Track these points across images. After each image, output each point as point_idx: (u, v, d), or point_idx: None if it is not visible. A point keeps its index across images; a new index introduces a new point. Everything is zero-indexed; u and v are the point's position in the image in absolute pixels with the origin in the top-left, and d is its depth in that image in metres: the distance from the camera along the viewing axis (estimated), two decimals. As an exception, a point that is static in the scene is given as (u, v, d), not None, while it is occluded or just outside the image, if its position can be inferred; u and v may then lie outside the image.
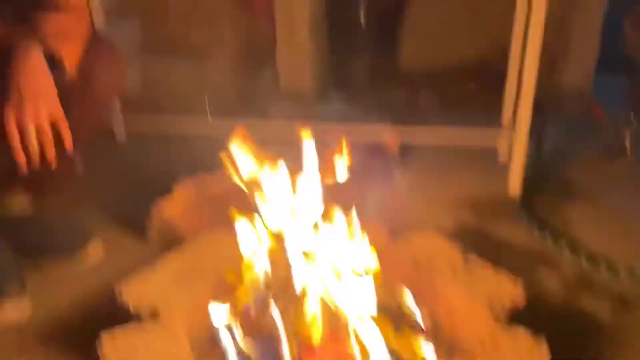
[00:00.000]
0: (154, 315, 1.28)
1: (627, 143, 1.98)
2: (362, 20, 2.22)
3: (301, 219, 1.25)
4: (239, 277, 1.27)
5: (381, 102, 2.13)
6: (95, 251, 1.64)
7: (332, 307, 1.19)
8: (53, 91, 1.31)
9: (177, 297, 1.33)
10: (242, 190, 1.28)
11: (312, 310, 1.18)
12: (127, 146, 2.13)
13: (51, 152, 1.25)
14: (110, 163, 2.03)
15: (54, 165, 1.26)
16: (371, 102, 2.13)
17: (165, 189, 1.72)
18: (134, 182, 1.89)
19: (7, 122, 1.24)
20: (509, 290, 1.30)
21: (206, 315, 1.26)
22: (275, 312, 1.20)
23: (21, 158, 1.23)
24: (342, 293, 1.18)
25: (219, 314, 1.22)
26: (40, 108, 1.27)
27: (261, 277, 1.27)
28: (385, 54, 2.32)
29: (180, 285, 1.36)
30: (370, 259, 1.21)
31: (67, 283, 1.55)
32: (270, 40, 2.23)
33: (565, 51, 2.23)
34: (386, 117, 1.96)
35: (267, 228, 1.27)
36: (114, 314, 1.33)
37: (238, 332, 1.21)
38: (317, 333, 1.17)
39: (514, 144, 1.78)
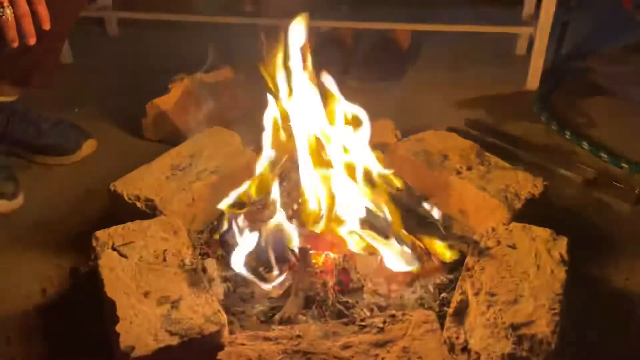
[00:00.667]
0: (152, 208, 1.28)
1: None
2: None
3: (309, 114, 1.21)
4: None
5: None
6: (89, 149, 1.62)
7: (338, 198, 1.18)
8: None
9: (175, 192, 1.32)
10: (236, 87, 1.34)
11: (317, 199, 1.19)
12: (119, 38, 2.12)
13: (29, 26, 1.18)
14: (103, 56, 2.02)
15: (32, 40, 1.20)
16: None
17: (159, 83, 1.67)
18: (127, 76, 1.87)
19: None
20: (525, 186, 1.28)
21: (203, 209, 1.30)
22: (278, 201, 1.20)
23: None
24: (349, 185, 1.17)
25: (224, 202, 1.23)
26: None
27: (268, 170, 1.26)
28: None
29: (179, 180, 1.35)
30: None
31: (60, 182, 1.55)
32: None
33: None
34: (395, 10, 1.91)
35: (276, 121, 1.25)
36: (111, 210, 1.34)
37: (242, 220, 1.21)
38: (322, 221, 1.18)
39: (536, 35, 1.73)
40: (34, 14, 1.18)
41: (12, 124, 1.56)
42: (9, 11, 1.16)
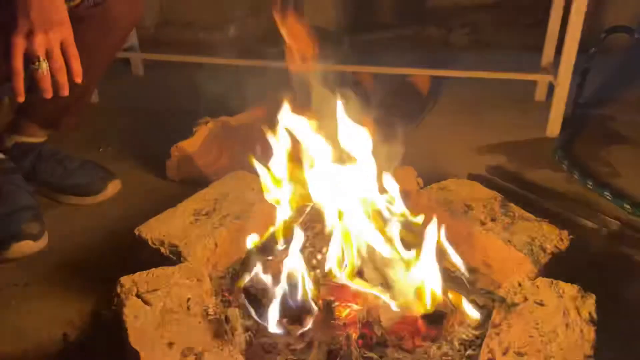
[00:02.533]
0: (176, 254, 1.27)
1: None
2: None
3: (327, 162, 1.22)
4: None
5: (410, 39, 2.10)
6: (114, 189, 1.62)
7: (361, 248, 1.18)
8: (65, 17, 1.25)
9: (199, 237, 1.31)
10: (260, 130, 1.28)
11: (341, 250, 1.18)
12: (144, 78, 2.14)
13: (63, 79, 1.20)
14: (127, 96, 2.04)
15: (65, 92, 1.23)
16: (399, 38, 2.11)
17: (182, 124, 1.69)
18: (151, 116, 1.89)
19: (14, 47, 1.19)
20: (551, 239, 1.26)
21: (226, 255, 1.30)
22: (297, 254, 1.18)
23: (19, 87, 1.19)
24: (371, 234, 1.17)
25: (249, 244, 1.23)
26: (51, 34, 1.21)
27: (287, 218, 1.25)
28: None
29: (203, 226, 1.34)
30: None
31: (86, 220, 1.54)
32: None
33: None
34: (414, 55, 1.96)
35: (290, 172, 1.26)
36: (133, 253, 1.33)
37: (265, 269, 1.19)
38: (347, 273, 1.16)
39: (557, 83, 1.73)
40: (68, 68, 1.20)
41: (39, 165, 1.57)
42: (45, 65, 1.18)
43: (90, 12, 1.38)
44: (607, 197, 1.52)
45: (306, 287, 1.14)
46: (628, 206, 1.48)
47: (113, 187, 1.61)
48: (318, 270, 1.20)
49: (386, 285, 1.15)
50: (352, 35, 2.14)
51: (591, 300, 1.08)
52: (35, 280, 1.37)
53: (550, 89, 1.79)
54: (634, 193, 1.53)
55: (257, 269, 1.20)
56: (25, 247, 1.40)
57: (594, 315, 1.05)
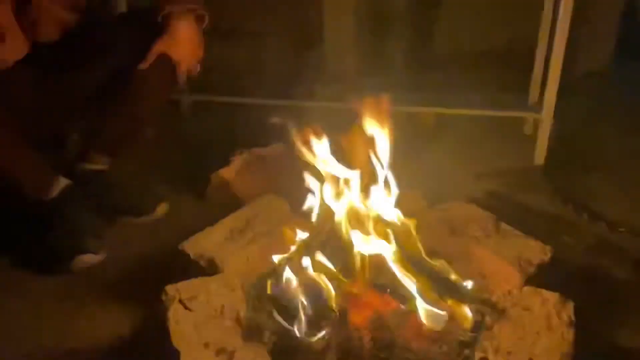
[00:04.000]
0: (213, 267, 1.27)
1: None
2: (401, 7, 2.17)
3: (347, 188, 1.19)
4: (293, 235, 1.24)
5: (417, 81, 2.07)
6: (162, 210, 1.61)
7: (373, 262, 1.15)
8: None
9: (233, 252, 1.30)
10: (291, 159, 1.24)
11: (357, 264, 1.16)
12: (191, 116, 2.13)
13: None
14: (177, 131, 2.03)
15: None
16: (409, 81, 2.08)
17: (222, 156, 1.68)
18: (195, 149, 1.88)
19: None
20: (536, 253, 1.25)
21: (256, 267, 1.27)
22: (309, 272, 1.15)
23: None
24: (383, 249, 1.13)
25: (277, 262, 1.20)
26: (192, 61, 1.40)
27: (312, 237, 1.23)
28: (422, 37, 2.26)
29: (237, 242, 1.34)
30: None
31: (137, 239, 1.54)
32: (319, 27, 2.16)
33: (587, 40, 2.13)
34: (422, 95, 1.93)
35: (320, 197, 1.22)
36: (178, 266, 1.32)
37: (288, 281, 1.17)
38: (360, 283, 1.15)
39: (541, 120, 1.73)
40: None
41: (100, 189, 1.57)
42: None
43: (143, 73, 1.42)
44: (584, 217, 1.52)
45: (325, 296, 1.11)
46: (603, 224, 1.48)
47: (161, 209, 1.60)
48: (335, 281, 1.15)
49: (394, 293, 1.13)
50: (367, 78, 2.15)
51: (570, 306, 1.08)
52: (95, 287, 1.37)
53: (537, 124, 1.79)
54: (609, 213, 1.52)
55: (283, 280, 1.17)
56: (86, 259, 1.41)
57: (572, 319, 1.05)
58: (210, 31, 1.45)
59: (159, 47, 1.37)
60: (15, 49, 1.35)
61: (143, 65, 1.37)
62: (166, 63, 1.39)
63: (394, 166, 1.22)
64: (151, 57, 1.37)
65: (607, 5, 2.15)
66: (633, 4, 2.22)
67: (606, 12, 2.15)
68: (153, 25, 1.37)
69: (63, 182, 1.44)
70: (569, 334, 1.02)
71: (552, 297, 1.10)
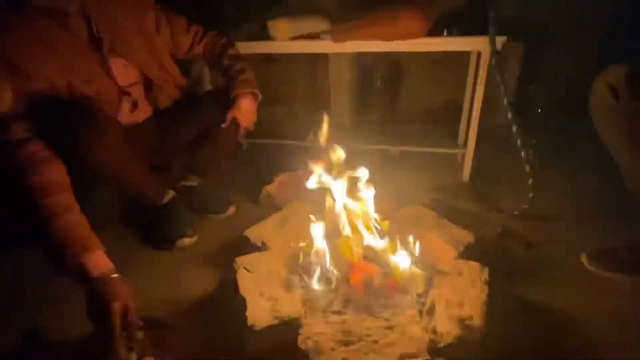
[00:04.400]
0: (264, 246, 1.27)
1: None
2: (379, 82, 2.13)
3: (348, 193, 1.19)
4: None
5: (388, 129, 2.03)
6: (232, 210, 1.60)
7: (365, 242, 1.15)
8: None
9: (277, 237, 1.30)
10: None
11: (353, 243, 1.15)
12: (249, 152, 2.09)
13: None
14: (239, 161, 1.99)
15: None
16: (383, 129, 2.04)
17: (268, 177, 1.68)
18: (253, 172, 1.85)
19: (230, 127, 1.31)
20: (464, 238, 1.24)
21: (291, 246, 1.25)
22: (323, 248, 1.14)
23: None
24: (371, 235, 1.14)
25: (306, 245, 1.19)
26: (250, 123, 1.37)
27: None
28: (392, 101, 2.22)
29: (279, 231, 1.33)
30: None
31: (217, 228, 1.52)
32: (327, 96, 2.12)
33: (494, 102, 2.09)
34: (392, 138, 1.89)
35: (329, 198, 1.21)
36: (243, 245, 1.32)
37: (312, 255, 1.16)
38: (355, 256, 1.14)
39: (466, 153, 1.69)
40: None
41: (194, 196, 1.56)
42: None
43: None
44: (495, 214, 1.47)
45: (333, 264, 1.12)
46: (508, 219, 1.43)
47: (232, 209, 1.59)
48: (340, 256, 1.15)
49: (379, 263, 1.13)
50: (357, 128, 2.12)
51: (486, 271, 1.08)
52: (190, 259, 1.35)
53: (463, 156, 1.75)
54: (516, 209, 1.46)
55: (308, 255, 1.17)
56: (185, 241, 1.40)
57: (487, 279, 1.05)
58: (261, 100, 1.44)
59: (231, 114, 1.34)
60: (143, 113, 1.37)
61: (224, 125, 1.35)
62: (235, 124, 1.37)
63: (374, 183, 1.21)
64: (228, 120, 1.34)
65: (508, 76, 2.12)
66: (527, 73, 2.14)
67: (507, 85, 2.13)
68: (227, 100, 1.36)
69: (171, 193, 1.45)
70: (485, 289, 1.02)
71: (474, 265, 1.10)
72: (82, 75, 1.12)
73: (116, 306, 0.87)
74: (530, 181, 1.37)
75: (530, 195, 1.39)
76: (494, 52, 1.38)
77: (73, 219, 0.94)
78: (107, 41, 1.15)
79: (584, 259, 1.19)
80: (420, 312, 1.00)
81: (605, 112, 1.03)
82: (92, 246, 0.93)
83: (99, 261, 0.92)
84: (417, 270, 1.08)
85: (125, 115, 1.31)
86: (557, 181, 1.66)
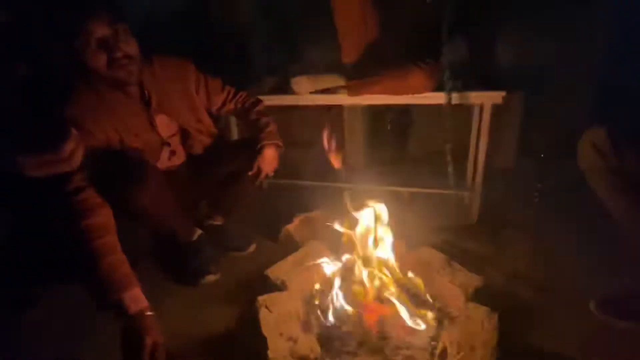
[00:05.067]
0: (284, 285, 1.29)
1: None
2: (389, 126, 2.16)
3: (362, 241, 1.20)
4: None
5: (400, 171, 2.03)
6: (253, 248, 1.62)
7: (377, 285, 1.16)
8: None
9: (296, 276, 1.31)
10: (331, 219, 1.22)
11: (366, 285, 1.16)
12: (269, 193, 2.06)
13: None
14: (260, 201, 1.93)
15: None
16: (394, 170, 2.05)
17: (288, 217, 1.69)
18: (272, 212, 1.84)
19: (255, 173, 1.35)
20: (473, 281, 1.24)
21: (309, 285, 1.27)
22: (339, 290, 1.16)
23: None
24: (383, 278, 1.15)
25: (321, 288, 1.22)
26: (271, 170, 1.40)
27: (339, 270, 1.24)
28: (401, 144, 2.24)
29: (298, 270, 1.34)
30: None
31: (238, 266, 1.53)
32: (342, 139, 2.17)
33: (499, 148, 2.09)
34: (402, 179, 1.89)
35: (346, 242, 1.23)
36: (263, 283, 1.33)
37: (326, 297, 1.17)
38: (368, 297, 1.15)
39: (473, 196, 1.70)
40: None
41: (218, 235, 1.58)
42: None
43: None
44: (505, 255, 1.46)
45: (348, 306, 1.13)
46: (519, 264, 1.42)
47: (252, 248, 1.61)
48: (354, 297, 1.16)
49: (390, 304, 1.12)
50: (369, 169, 2.16)
51: (495, 316, 1.08)
52: (213, 296, 1.37)
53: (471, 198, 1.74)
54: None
55: (324, 296, 1.20)
56: (210, 278, 1.43)
57: (496, 325, 1.05)
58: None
59: (257, 163, 1.38)
60: (179, 159, 1.45)
61: (250, 173, 1.38)
62: (258, 169, 1.40)
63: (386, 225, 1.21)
64: (254, 169, 1.38)
65: (509, 125, 2.11)
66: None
67: (510, 132, 2.09)
68: (253, 150, 1.40)
69: (198, 231, 1.48)
70: (495, 334, 1.02)
71: (483, 310, 1.10)
72: (133, 131, 1.25)
73: (148, 342, 0.92)
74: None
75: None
76: (449, 102, 1.45)
77: (117, 259, 1.01)
78: (154, 102, 1.28)
79: (592, 305, 1.18)
80: (433, 355, 1.01)
81: (594, 170, 1.05)
82: (132, 284, 1.00)
83: (137, 298, 0.99)
84: (427, 313, 1.09)
85: (164, 162, 1.41)
86: (563, 223, 1.65)
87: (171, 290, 1.42)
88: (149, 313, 0.98)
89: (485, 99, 1.50)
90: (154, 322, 0.97)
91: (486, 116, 1.52)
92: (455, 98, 1.54)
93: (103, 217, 1.02)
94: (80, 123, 1.12)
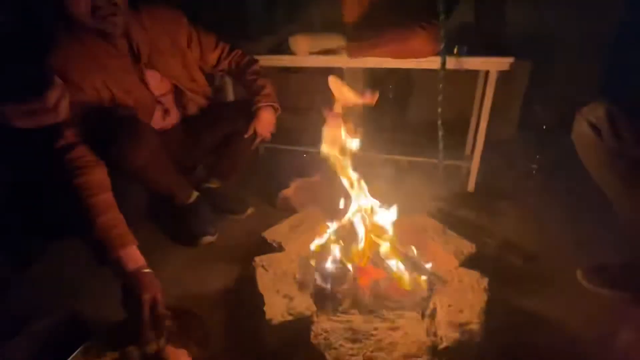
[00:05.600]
0: (280, 247, 1.30)
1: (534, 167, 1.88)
2: (390, 93, 2.12)
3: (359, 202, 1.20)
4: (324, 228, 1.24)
5: (400, 139, 2.01)
6: (250, 212, 1.63)
7: (373, 248, 1.16)
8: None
9: (293, 239, 1.32)
10: (329, 185, 1.21)
11: (362, 248, 1.16)
12: (266, 158, 2.08)
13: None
14: (257, 166, 1.98)
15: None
16: (393, 139, 2.01)
17: (285, 181, 1.68)
18: (269, 176, 1.84)
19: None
20: (466, 248, 1.25)
21: (305, 248, 1.27)
22: (335, 252, 1.17)
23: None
24: (380, 242, 1.15)
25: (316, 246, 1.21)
26: (267, 134, 1.35)
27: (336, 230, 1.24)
28: (402, 112, 2.21)
29: (294, 233, 1.36)
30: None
31: (236, 229, 1.54)
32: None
33: (499, 118, 2.05)
34: (401, 148, 1.88)
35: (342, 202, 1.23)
36: (260, 245, 1.35)
37: (323, 257, 1.18)
38: (364, 261, 1.16)
39: (472, 166, 1.69)
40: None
41: (215, 198, 1.57)
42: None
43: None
44: (496, 224, 1.47)
45: (344, 268, 1.14)
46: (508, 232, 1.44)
47: (250, 211, 1.61)
48: (350, 259, 1.17)
49: (385, 268, 1.14)
50: (368, 136, 2.13)
51: (485, 280, 1.10)
52: (213, 255, 1.38)
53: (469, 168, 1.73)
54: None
55: (321, 256, 1.20)
56: (207, 239, 1.44)
57: (487, 288, 1.07)
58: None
59: (252, 126, 1.35)
60: (173, 119, 1.42)
61: (246, 135, 1.37)
62: (254, 132, 1.39)
63: (383, 192, 1.23)
64: (250, 131, 1.36)
65: (513, 95, 2.08)
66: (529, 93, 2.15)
67: (512, 102, 2.08)
68: (249, 111, 1.37)
69: (195, 194, 1.47)
70: (484, 296, 1.04)
71: (474, 274, 1.12)
72: (124, 87, 1.20)
73: (146, 298, 0.94)
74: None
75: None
76: (443, 68, 1.41)
77: (113, 217, 1.01)
78: (144, 55, 1.22)
79: (579, 274, 1.20)
80: (423, 315, 1.03)
81: (589, 148, 1.03)
82: (128, 242, 1.00)
83: (133, 256, 0.99)
84: (420, 277, 1.11)
85: (157, 122, 1.37)
86: (559, 196, 1.66)
87: (170, 250, 1.43)
88: (146, 270, 0.99)
89: (491, 65, 1.45)
90: (153, 279, 0.98)
91: (491, 83, 1.48)
92: (460, 63, 1.49)
93: (97, 175, 1.01)
94: (65, 74, 1.07)
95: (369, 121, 2.19)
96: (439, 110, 1.53)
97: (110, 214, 1.00)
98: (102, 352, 0.94)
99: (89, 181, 1.00)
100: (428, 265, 1.14)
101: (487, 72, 1.54)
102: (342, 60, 1.64)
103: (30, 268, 1.34)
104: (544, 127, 2.01)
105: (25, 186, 1.26)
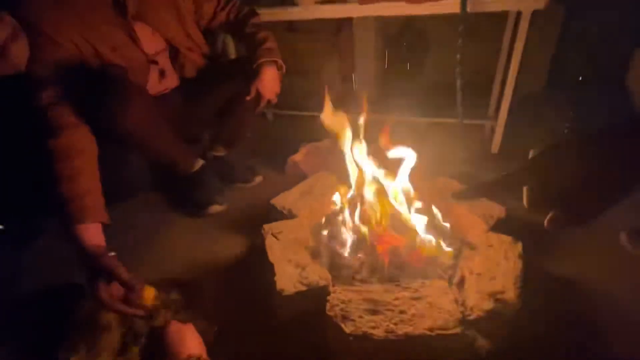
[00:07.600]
0: (291, 214, 1.23)
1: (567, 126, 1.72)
2: (404, 51, 2.01)
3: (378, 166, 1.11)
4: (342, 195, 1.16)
5: (416, 100, 1.90)
6: (259, 180, 1.59)
7: (392, 213, 1.08)
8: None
9: (303, 205, 1.25)
10: (338, 149, 1.11)
11: (380, 213, 1.09)
12: (274, 123, 2.05)
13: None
14: (265, 132, 1.96)
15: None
16: (410, 100, 1.91)
17: (294, 147, 1.64)
18: (277, 142, 1.82)
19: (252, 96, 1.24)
20: (496, 211, 1.14)
21: (317, 215, 1.22)
22: (350, 218, 1.10)
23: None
24: (399, 206, 1.07)
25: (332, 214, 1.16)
26: (273, 94, 1.27)
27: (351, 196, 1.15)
28: (418, 71, 2.08)
29: (305, 199, 1.29)
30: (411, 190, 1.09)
31: (244, 197, 1.51)
32: (351, 66, 2.00)
33: (528, 72, 1.90)
34: (418, 109, 1.79)
35: (355, 168, 1.13)
36: (270, 213, 1.30)
37: (337, 224, 1.12)
38: (382, 228, 1.08)
39: (497, 125, 1.59)
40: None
41: (222, 166, 1.54)
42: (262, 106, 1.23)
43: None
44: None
45: (361, 234, 1.07)
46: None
47: (258, 179, 1.57)
48: (367, 225, 1.09)
49: (405, 233, 1.06)
50: (382, 100, 2.01)
51: (519, 245, 1.00)
52: (220, 225, 1.36)
53: (493, 128, 1.63)
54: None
55: (334, 222, 1.15)
56: (215, 208, 1.40)
57: (521, 254, 0.98)
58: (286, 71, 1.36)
59: (254, 87, 1.26)
60: (171, 81, 1.33)
61: (248, 97, 1.27)
62: (258, 94, 1.29)
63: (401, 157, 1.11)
64: (252, 93, 1.26)
65: (544, 44, 1.92)
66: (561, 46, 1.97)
67: (543, 52, 1.88)
68: (251, 69, 1.28)
69: (200, 162, 1.42)
70: (519, 263, 0.94)
71: (507, 239, 1.02)
72: (108, 42, 1.08)
73: (101, 282, 0.82)
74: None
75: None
76: (463, 10, 1.28)
77: (83, 186, 0.89)
78: (131, 6, 1.09)
79: (622, 237, 1.09)
80: (449, 284, 0.95)
81: None
82: (90, 217, 0.86)
83: (92, 234, 0.86)
84: (444, 243, 1.02)
85: (154, 85, 1.27)
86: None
87: (176, 220, 1.41)
88: (111, 254, 0.85)
89: (524, 5, 1.28)
90: (114, 262, 0.83)
91: (523, 26, 1.32)
92: (486, 4, 1.33)
93: (74, 137, 0.91)
94: (38, 26, 0.95)
95: (384, 83, 2.07)
96: (458, 69, 1.38)
97: (80, 181, 0.88)
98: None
99: (63, 144, 0.90)
100: (451, 230, 1.06)
101: (517, 15, 1.38)
102: (351, 9, 1.48)
103: (28, 246, 1.29)
104: (580, 79, 1.82)
105: (18, 162, 1.18)
